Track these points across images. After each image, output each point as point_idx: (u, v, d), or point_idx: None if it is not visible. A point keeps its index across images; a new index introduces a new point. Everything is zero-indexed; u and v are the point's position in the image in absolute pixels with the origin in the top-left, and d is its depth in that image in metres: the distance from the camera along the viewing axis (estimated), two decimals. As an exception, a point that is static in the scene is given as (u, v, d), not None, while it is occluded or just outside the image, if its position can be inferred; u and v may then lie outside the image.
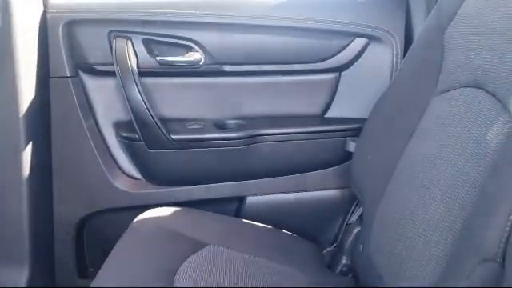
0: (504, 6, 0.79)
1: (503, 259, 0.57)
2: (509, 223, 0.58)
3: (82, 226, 1.28)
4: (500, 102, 0.74)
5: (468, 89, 0.85)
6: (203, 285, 0.88)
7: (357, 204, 1.19)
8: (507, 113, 0.71)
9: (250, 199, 1.27)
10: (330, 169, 1.26)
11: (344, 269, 1.11)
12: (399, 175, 0.94)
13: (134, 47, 1.17)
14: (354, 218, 1.17)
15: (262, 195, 1.27)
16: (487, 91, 0.79)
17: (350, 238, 1.13)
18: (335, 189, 1.26)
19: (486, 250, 0.60)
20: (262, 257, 1.03)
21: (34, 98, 1.14)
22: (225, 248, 1.02)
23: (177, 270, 0.91)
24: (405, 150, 0.94)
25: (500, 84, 0.75)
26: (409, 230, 0.84)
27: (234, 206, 1.30)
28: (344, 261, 1.12)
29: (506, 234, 0.58)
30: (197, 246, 1.01)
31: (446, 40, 0.94)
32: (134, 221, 1.10)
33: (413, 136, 0.94)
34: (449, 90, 0.90)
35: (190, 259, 0.95)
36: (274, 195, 1.28)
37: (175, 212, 1.13)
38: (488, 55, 0.81)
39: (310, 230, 1.25)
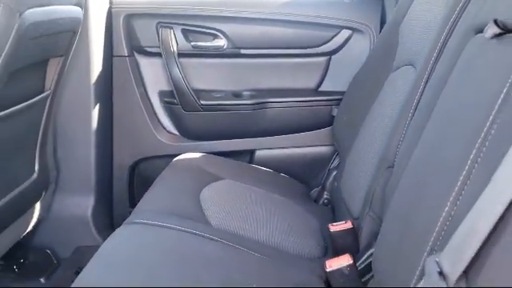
0: (435, 5, 1.12)
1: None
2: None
3: (133, 168, 1.70)
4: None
5: (406, 66, 1.20)
6: (217, 197, 1.25)
7: (337, 155, 1.57)
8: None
9: (259, 152, 1.67)
10: (319, 130, 1.65)
11: (325, 201, 1.50)
12: (363, 131, 1.31)
13: (175, 35, 1.58)
14: (334, 165, 1.55)
15: (267, 149, 1.67)
16: (414, 67, 1.14)
17: (330, 179, 1.52)
18: (322, 145, 1.65)
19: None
20: (265, 190, 1.41)
21: (101, 71, 1.56)
22: (237, 182, 1.41)
23: (201, 190, 1.29)
24: (368, 112, 1.30)
25: (420, 60, 1.09)
26: (362, 167, 1.20)
27: (247, 158, 1.69)
28: (325, 195, 1.51)
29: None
30: (217, 178, 1.40)
31: (400, 31, 1.29)
32: (171, 163, 1.49)
33: (375, 102, 1.30)
34: (398, 68, 1.25)
35: (211, 185, 1.34)
36: (277, 149, 1.67)
37: (202, 156, 1.53)
38: (418, 40, 1.15)
39: (303, 175, 1.64)
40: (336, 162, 1.56)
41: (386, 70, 1.28)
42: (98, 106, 1.57)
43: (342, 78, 1.60)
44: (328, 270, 0.90)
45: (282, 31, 1.60)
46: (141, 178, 1.71)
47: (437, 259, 0.60)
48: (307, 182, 1.63)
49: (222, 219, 1.14)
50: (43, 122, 1.41)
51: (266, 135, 1.66)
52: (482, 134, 0.65)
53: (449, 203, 0.66)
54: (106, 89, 1.61)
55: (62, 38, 1.30)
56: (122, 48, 1.59)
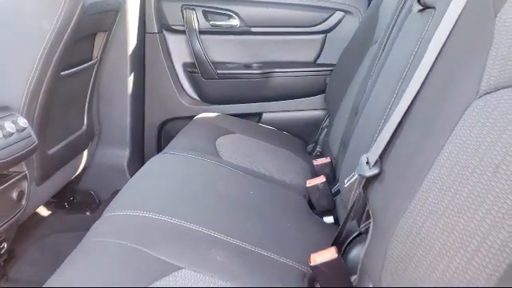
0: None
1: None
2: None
3: (161, 126, 2.05)
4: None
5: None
6: (228, 144, 1.58)
7: (328, 116, 1.89)
8: (380, 48, 1.38)
9: (265, 114, 2.00)
10: (315, 96, 1.96)
11: (317, 153, 1.82)
12: (350, 92, 1.61)
13: (196, 15, 1.91)
14: (326, 124, 1.87)
15: (272, 112, 1.99)
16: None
17: (322, 136, 1.83)
18: (317, 109, 1.96)
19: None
20: (269, 143, 1.73)
21: (136, 45, 1.89)
22: (246, 136, 1.74)
23: (216, 139, 1.62)
24: (352, 79, 1.61)
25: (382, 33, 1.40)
26: (341, 118, 1.52)
27: (256, 119, 2.02)
28: (318, 149, 1.83)
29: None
30: (229, 132, 1.72)
31: (379, 12, 1.59)
32: (192, 120, 1.83)
33: (359, 68, 1.59)
34: (376, 42, 1.55)
35: (224, 136, 1.66)
36: (280, 112, 1.99)
37: (217, 115, 1.86)
38: (387, 19, 1.46)
39: (301, 134, 1.96)
40: (327, 122, 1.87)
41: (368, 44, 1.59)
42: (132, 75, 1.91)
43: (335, 53, 1.91)
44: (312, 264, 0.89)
45: (285, 13, 1.91)
46: (167, 135, 2.05)
47: (366, 155, 0.93)
48: (304, 139, 1.95)
49: (232, 156, 1.46)
50: (91, 84, 1.75)
51: (271, 100, 1.99)
52: (401, 78, 0.97)
53: (382, 120, 0.98)
54: (139, 60, 1.95)
55: (108, 16, 1.64)
56: (153, 26, 1.93)
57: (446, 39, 0.80)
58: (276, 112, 2.00)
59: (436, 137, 0.75)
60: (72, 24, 1.31)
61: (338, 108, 1.64)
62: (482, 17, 0.74)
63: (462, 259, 0.57)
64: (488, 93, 0.69)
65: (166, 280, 0.81)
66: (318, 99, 1.96)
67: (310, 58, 1.97)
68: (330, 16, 1.91)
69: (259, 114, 2.00)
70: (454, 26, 0.80)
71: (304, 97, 1.97)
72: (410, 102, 0.84)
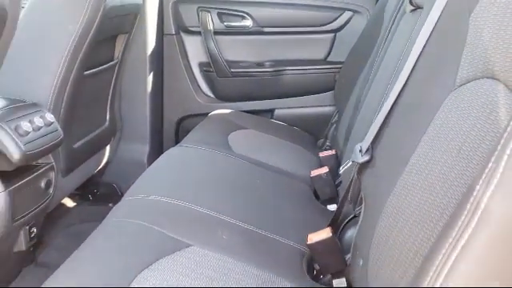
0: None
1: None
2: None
3: (178, 123, 2.16)
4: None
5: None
6: (240, 139, 1.68)
7: (337, 112, 1.96)
8: (379, 47, 1.45)
9: (277, 111, 2.08)
10: (325, 93, 2.04)
11: (327, 148, 1.89)
12: (356, 88, 1.68)
13: (211, 17, 2.01)
14: (335, 119, 1.94)
15: (284, 108, 2.08)
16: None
17: (331, 130, 1.91)
18: (327, 106, 2.04)
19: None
20: (280, 138, 1.81)
21: (155, 46, 2.00)
22: (257, 131, 1.83)
23: (229, 134, 1.71)
24: (359, 75, 1.68)
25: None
26: (348, 112, 1.59)
27: (268, 116, 2.11)
28: (327, 143, 1.90)
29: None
30: (242, 127, 1.81)
31: (385, 12, 1.66)
32: (207, 116, 1.93)
33: (364, 65, 1.66)
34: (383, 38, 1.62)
35: (237, 131, 1.75)
36: (292, 109, 2.08)
37: (231, 112, 1.96)
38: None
39: (311, 129, 2.04)
40: (336, 118, 1.95)
41: (373, 42, 1.65)
42: (152, 74, 2.02)
43: (345, 51, 1.98)
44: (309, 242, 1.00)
45: (296, 13, 2.00)
46: (184, 131, 2.15)
47: (360, 144, 1.01)
48: (315, 134, 2.03)
49: (242, 149, 1.55)
50: (112, 83, 1.87)
51: (283, 97, 2.07)
52: (395, 70, 1.04)
53: (376, 112, 1.06)
54: (158, 60, 2.06)
55: (128, 19, 1.76)
56: (171, 28, 2.04)
57: (429, 37, 0.88)
58: (288, 108, 2.08)
59: (419, 125, 0.83)
60: (94, 27, 1.43)
61: (346, 104, 1.71)
62: (458, 17, 0.82)
63: (428, 228, 0.64)
64: (462, 85, 0.76)
65: (177, 255, 0.90)
66: (327, 96, 2.04)
67: (320, 56, 2.05)
68: (339, 16, 1.98)
69: (271, 111, 2.09)
70: (436, 24, 0.87)
71: (314, 93, 2.05)
72: (397, 94, 0.92)
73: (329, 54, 2.04)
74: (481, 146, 0.61)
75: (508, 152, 0.42)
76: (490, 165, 0.43)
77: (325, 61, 2.05)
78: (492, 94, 0.63)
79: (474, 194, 0.43)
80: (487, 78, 0.68)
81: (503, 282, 0.41)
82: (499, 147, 0.43)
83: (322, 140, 1.98)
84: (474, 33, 0.76)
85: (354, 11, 1.98)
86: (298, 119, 2.07)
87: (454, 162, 0.65)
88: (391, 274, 0.74)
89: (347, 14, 1.99)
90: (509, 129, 0.43)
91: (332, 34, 2.02)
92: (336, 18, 1.99)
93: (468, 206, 0.43)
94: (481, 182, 0.42)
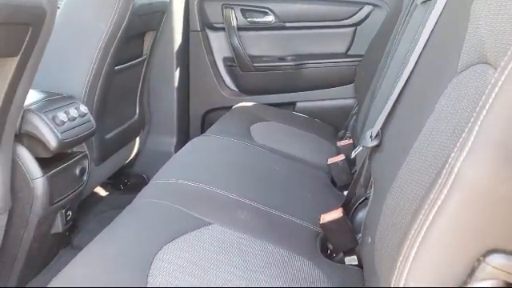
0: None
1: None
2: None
3: (204, 116, 2.25)
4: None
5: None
6: (262, 130, 1.75)
7: (357, 104, 2.01)
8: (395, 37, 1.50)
9: (299, 104, 2.15)
10: (346, 86, 2.09)
11: (347, 138, 1.94)
12: (374, 80, 1.73)
13: (235, 13, 2.08)
14: (355, 111, 1.99)
15: (305, 101, 2.14)
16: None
17: (352, 121, 1.96)
18: (348, 98, 2.09)
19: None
20: (300, 129, 1.88)
21: (181, 42, 2.10)
22: (278, 123, 1.89)
23: (251, 125, 1.78)
24: (378, 66, 1.73)
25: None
26: (366, 103, 1.64)
27: (290, 109, 2.17)
28: (348, 134, 1.95)
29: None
30: (264, 119, 1.88)
31: (403, 4, 1.70)
32: (231, 109, 2.01)
33: (382, 57, 1.71)
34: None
35: (258, 123, 1.82)
36: (313, 101, 2.13)
37: (254, 105, 2.04)
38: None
39: (333, 121, 2.09)
40: (357, 110, 1.99)
41: (390, 34, 1.70)
42: (178, 69, 2.11)
43: (366, 44, 2.03)
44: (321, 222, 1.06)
45: (317, 8, 2.06)
46: (209, 123, 2.23)
47: (371, 130, 1.06)
48: (336, 125, 2.08)
49: (263, 139, 1.62)
50: (141, 78, 1.97)
51: (304, 90, 2.13)
52: (405, 60, 1.09)
53: (388, 100, 1.12)
54: (184, 56, 2.15)
55: (156, 17, 1.85)
56: (196, 25, 2.13)
57: (434, 27, 0.93)
58: (309, 101, 2.14)
59: (423, 111, 0.88)
60: (124, 25, 1.53)
61: (365, 95, 1.76)
62: (461, 7, 0.86)
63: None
64: (462, 71, 0.81)
65: (199, 231, 0.98)
66: (349, 88, 2.09)
67: (342, 50, 2.10)
68: (359, 10, 2.03)
69: (293, 104, 2.16)
70: (441, 15, 0.92)
71: (336, 86, 2.11)
72: (404, 82, 0.97)
73: (350, 47, 2.09)
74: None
75: (479, 123, 0.48)
76: (463, 135, 0.49)
77: (346, 54, 2.10)
78: (483, 77, 0.68)
79: (449, 160, 0.49)
80: (482, 63, 0.73)
81: (474, 234, 0.47)
82: (472, 119, 0.49)
83: (343, 131, 2.03)
84: (473, 22, 0.81)
85: (374, 5, 2.02)
86: (320, 111, 2.12)
87: (447, 143, 0.70)
88: (393, 248, 0.80)
89: (367, 8, 2.03)
90: (481, 103, 0.49)
91: (353, 28, 2.07)
92: (356, 12, 2.04)
93: (444, 171, 0.49)
94: (455, 149, 0.48)
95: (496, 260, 0.47)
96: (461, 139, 0.49)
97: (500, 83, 0.50)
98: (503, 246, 0.47)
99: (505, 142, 0.46)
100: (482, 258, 0.48)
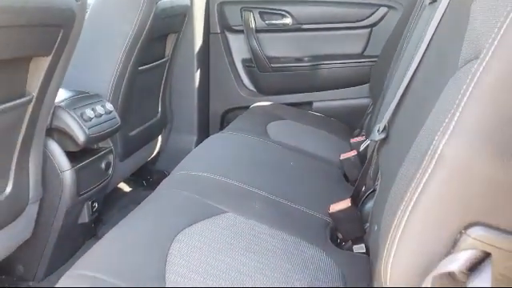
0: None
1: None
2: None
3: (223, 115, 2.32)
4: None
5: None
6: (279, 127, 1.81)
7: (372, 104, 2.05)
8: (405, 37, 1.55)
9: (316, 103, 2.20)
10: (361, 86, 2.14)
11: (362, 137, 1.99)
12: (390, 77, 1.78)
13: (253, 16, 2.16)
14: (370, 110, 2.03)
15: (322, 101, 2.19)
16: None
17: (367, 120, 2.00)
18: (363, 98, 2.14)
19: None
20: (316, 128, 1.93)
21: (202, 44, 2.18)
22: (295, 121, 1.95)
23: (267, 124, 1.84)
24: (391, 63, 1.77)
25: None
26: (379, 101, 1.69)
27: (307, 108, 2.23)
28: (363, 133, 2.00)
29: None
30: (280, 118, 1.94)
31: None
32: (249, 108, 2.08)
33: (395, 51, 1.75)
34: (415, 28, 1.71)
35: (275, 122, 1.88)
36: (329, 101, 2.19)
37: (271, 104, 2.10)
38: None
39: (349, 120, 2.14)
40: (371, 109, 2.04)
41: (402, 35, 1.74)
42: (199, 70, 2.19)
43: (381, 45, 2.07)
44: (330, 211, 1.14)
45: (333, 10, 2.11)
46: (228, 122, 2.31)
47: (379, 124, 1.12)
48: (351, 125, 2.13)
49: (279, 137, 1.69)
50: (164, 79, 2.06)
51: (321, 90, 2.19)
52: (412, 57, 1.14)
53: (393, 99, 1.17)
54: (204, 57, 2.23)
55: (177, 19, 1.94)
56: (216, 27, 2.21)
57: (437, 25, 0.98)
58: (325, 101, 2.20)
59: (426, 105, 0.93)
60: (147, 27, 1.61)
61: (379, 94, 1.81)
62: (463, 5, 0.91)
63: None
64: (461, 67, 0.86)
65: (214, 218, 1.05)
66: (364, 88, 2.14)
67: (358, 50, 2.15)
68: (374, 11, 2.08)
69: (310, 103, 2.21)
70: (445, 12, 0.97)
71: (352, 86, 2.16)
72: (410, 78, 1.03)
73: (365, 48, 2.14)
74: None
75: (460, 110, 0.53)
76: (446, 120, 0.54)
77: (361, 55, 2.15)
78: (475, 71, 0.73)
79: (434, 142, 0.54)
80: (476, 59, 0.78)
81: (456, 209, 0.53)
82: (455, 106, 0.54)
83: (358, 130, 2.07)
84: (472, 19, 0.86)
85: (389, 7, 2.07)
86: (336, 111, 2.18)
87: (444, 129, 0.76)
88: (385, 229, 0.85)
89: (382, 10, 2.08)
90: (462, 91, 0.54)
91: (368, 29, 2.12)
92: (372, 14, 2.09)
93: (429, 152, 0.54)
94: (439, 133, 0.54)
95: (476, 232, 0.53)
96: (444, 124, 0.54)
97: (478, 73, 0.55)
98: (482, 220, 0.52)
99: (482, 125, 0.51)
100: (463, 231, 0.53)
